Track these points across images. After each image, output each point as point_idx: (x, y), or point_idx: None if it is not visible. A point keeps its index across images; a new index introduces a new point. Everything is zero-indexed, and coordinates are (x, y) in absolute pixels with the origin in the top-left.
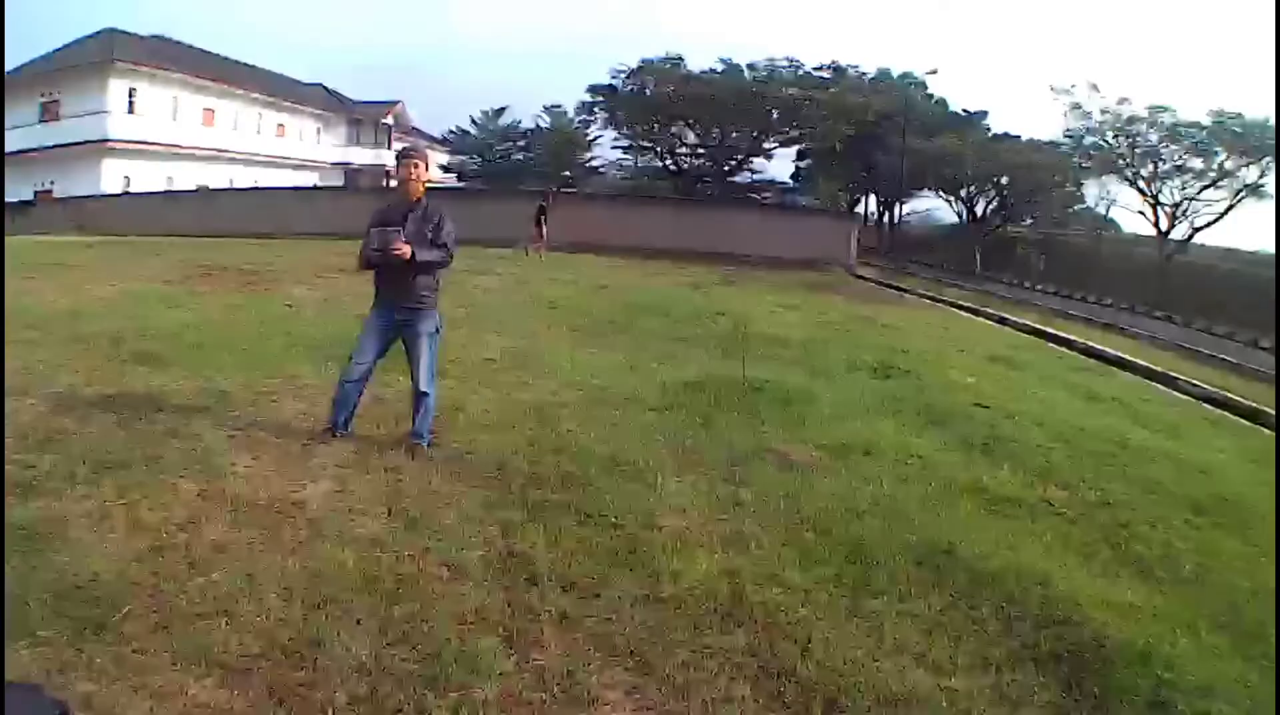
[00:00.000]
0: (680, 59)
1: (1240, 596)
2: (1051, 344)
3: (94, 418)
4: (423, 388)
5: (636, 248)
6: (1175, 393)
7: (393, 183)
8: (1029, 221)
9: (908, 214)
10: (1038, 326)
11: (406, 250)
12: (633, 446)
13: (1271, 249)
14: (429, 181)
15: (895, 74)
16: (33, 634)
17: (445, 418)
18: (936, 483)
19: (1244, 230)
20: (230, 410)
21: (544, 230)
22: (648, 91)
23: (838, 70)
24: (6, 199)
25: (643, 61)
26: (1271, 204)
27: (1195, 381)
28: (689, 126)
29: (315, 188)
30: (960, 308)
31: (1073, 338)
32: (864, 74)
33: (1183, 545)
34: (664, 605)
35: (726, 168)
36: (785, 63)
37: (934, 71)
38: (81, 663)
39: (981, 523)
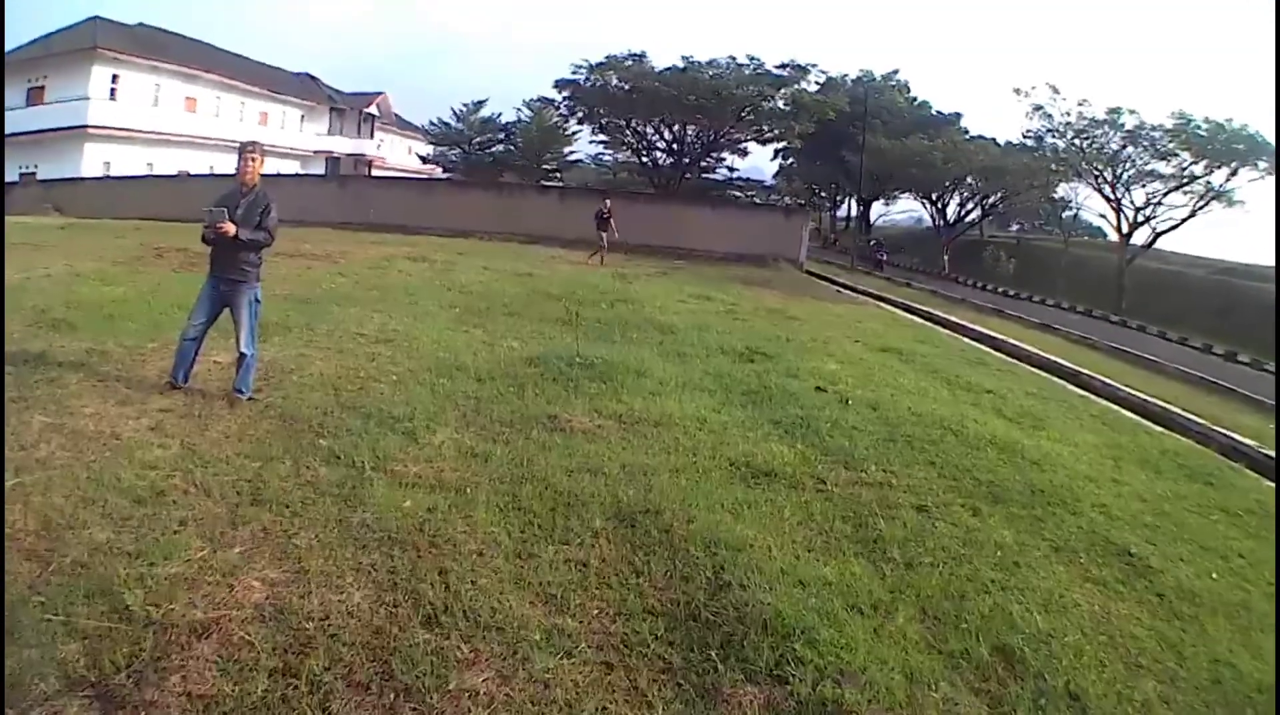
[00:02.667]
0: (643, 55)
1: (973, 589)
2: (966, 339)
3: None
4: (243, 348)
5: (588, 240)
6: (1084, 392)
7: (372, 171)
8: (1013, 227)
9: (892, 215)
10: (956, 320)
11: (230, 229)
12: (424, 408)
13: (1236, 259)
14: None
15: (875, 76)
16: None
17: (278, 378)
18: (704, 453)
19: (1209, 237)
20: (104, 366)
21: (605, 236)
22: (609, 87)
23: (798, 68)
24: None
25: (606, 57)
26: (1239, 211)
27: (1107, 380)
28: (649, 123)
29: (281, 174)
30: (894, 305)
31: (984, 331)
32: (826, 73)
33: (943, 530)
34: (348, 529)
35: (690, 163)
36: (746, 60)
37: (896, 72)
38: None
39: (720, 492)
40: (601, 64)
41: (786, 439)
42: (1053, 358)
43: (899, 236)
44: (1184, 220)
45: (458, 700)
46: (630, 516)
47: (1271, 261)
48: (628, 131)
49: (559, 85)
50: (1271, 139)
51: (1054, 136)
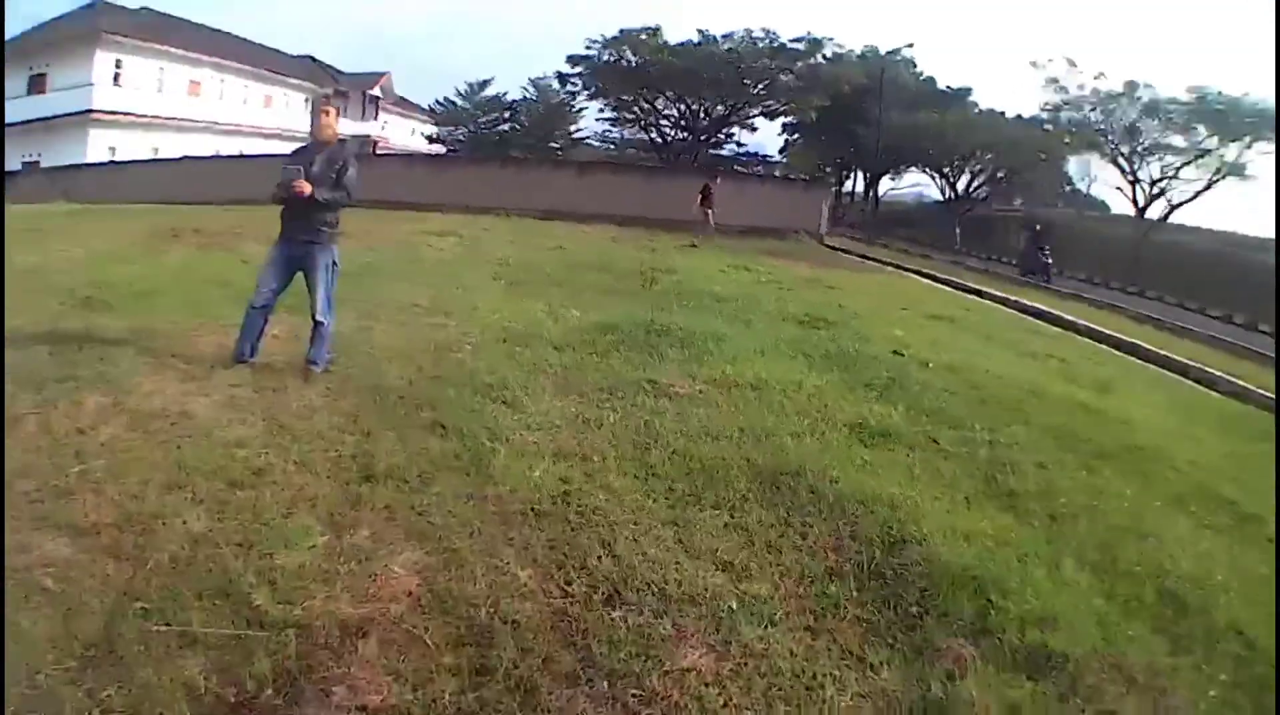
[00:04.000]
0: (658, 29)
1: (1117, 537)
2: (1005, 308)
3: (29, 350)
4: (319, 317)
5: (610, 215)
6: (1129, 357)
7: (376, 152)
8: (1019, 201)
9: (899, 190)
10: (994, 292)
11: (306, 188)
12: (515, 376)
13: (1248, 232)
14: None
15: (882, 51)
16: None
17: (351, 350)
18: (815, 415)
19: (1223, 210)
20: (153, 344)
21: (710, 214)
22: (624, 62)
23: (813, 42)
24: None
25: (620, 31)
26: (1252, 184)
27: (1149, 346)
28: (666, 97)
29: (279, 156)
30: (921, 275)
31: (1024, 301)
32: (841, 47)
33: (1068, 484)
34: (485, 503)
35: (704, 139)
36: (761, 34)
37: (910, 45)
38: None
39: (847, 452)
40: (616, 38)
41: (886, 401)
42: (1093, 326)
43: (907, 212)
44: (1199, 193)
45: (681, 680)
46: (772, 478)
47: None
48: (640, 107)
49: (572, 60)
50: None
51: (1070, 109)
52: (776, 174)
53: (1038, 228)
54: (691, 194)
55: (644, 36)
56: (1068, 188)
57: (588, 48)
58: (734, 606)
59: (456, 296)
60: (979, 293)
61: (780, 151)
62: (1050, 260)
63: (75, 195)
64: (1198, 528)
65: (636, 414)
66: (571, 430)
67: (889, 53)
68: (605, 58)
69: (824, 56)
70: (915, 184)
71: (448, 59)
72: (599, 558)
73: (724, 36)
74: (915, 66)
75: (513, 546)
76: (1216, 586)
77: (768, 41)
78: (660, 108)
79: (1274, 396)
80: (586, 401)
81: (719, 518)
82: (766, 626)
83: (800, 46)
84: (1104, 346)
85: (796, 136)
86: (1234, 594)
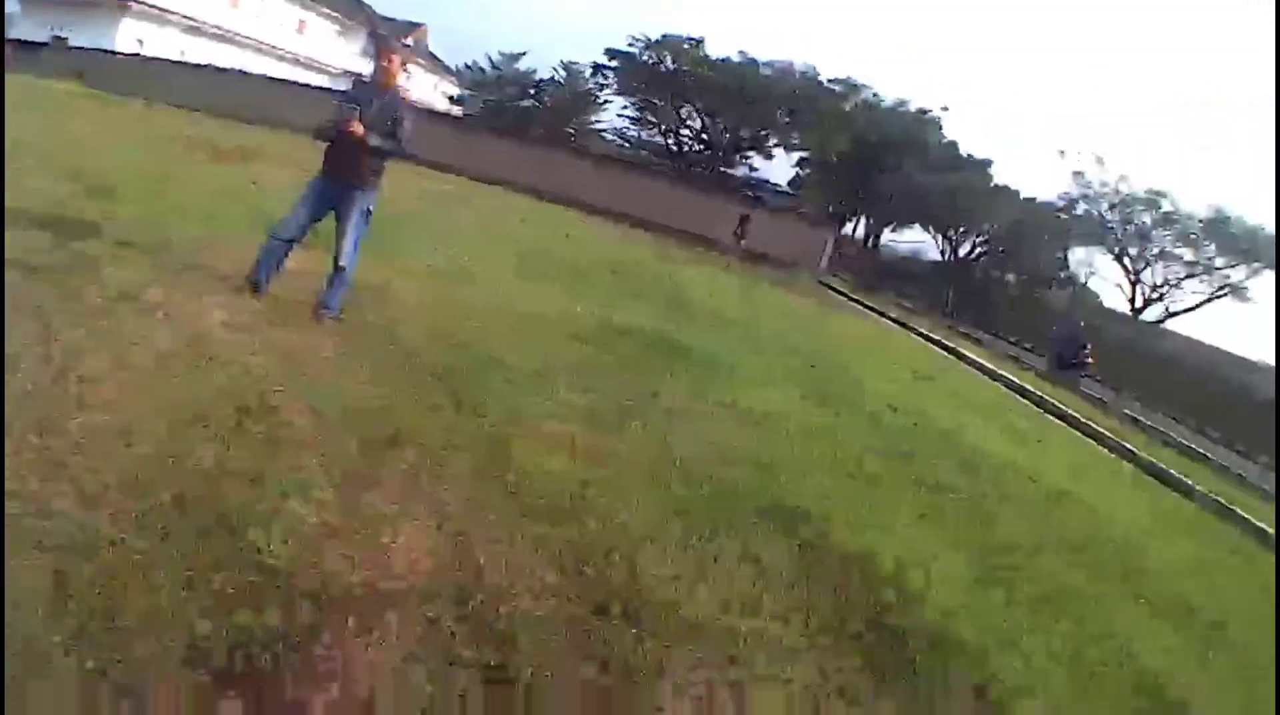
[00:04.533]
0: (701, 40)
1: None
2: (985, 378)
3: (31, 235)
4: (342, 262)
5: (619, 213)
6: (1101, 449)
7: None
8: (1012, 276)
9: (897, 242)
10: (982, 362)
11: (358, 129)
12: (536, 360)
13: (1239, 352)
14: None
15: (906, 105)
16: None
17: (364, 297)
18: (818, 455)
19: (1214, 326)
20: (163, 252)
21: (742, 245)
22: (663, 66)
23: (850, 86)
24: (20, 38)
25: (664, 36)
26: (1250, 308)
27: (1134, 449)
28: (696, 110)
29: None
30: (911, 330)
31: (1025, 385)
32: (877, 95)
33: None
34: (500, 486)
35: (721, 155)
36: (802, 67)
37: (946, 109)
38: None
39: (848, 497)
40: (659, 41)
41: (880, 454)
42: (1074, 414)
43: (903, 264)
44: (1199, 306)
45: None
46: (782, 513)
47: (1271, 360)
48: (666, 113)
49: (611, 54)
50: None
51: (1088, 203)
52: (786, 206)
53: (1081, 324)
54: (705, 209)
55: (686, 46)
56: (1062, 273)
57: (630, 44)
58: (748, 639)
59: (471, 264)
60: (962, 357)
61: (790, 183)
62: (1090, 361)
63: (94, 81)
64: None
65: (655, 427)
66: (591, 431)
67: (920, 110)
68: (645, 58)
69: (855, 102)
70: (918, 240)
71: (483, 24)
72: (613, 568)
73: (765, 63)
74: (941, 129)
75: (532, 542)
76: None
77: (808, 76)
78: (685, 117)
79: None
80: (606, 404)
81: (730, 546)
82: (779, 661)
83: (837, 88)
84: (1082, 436)
85: (808, 171)
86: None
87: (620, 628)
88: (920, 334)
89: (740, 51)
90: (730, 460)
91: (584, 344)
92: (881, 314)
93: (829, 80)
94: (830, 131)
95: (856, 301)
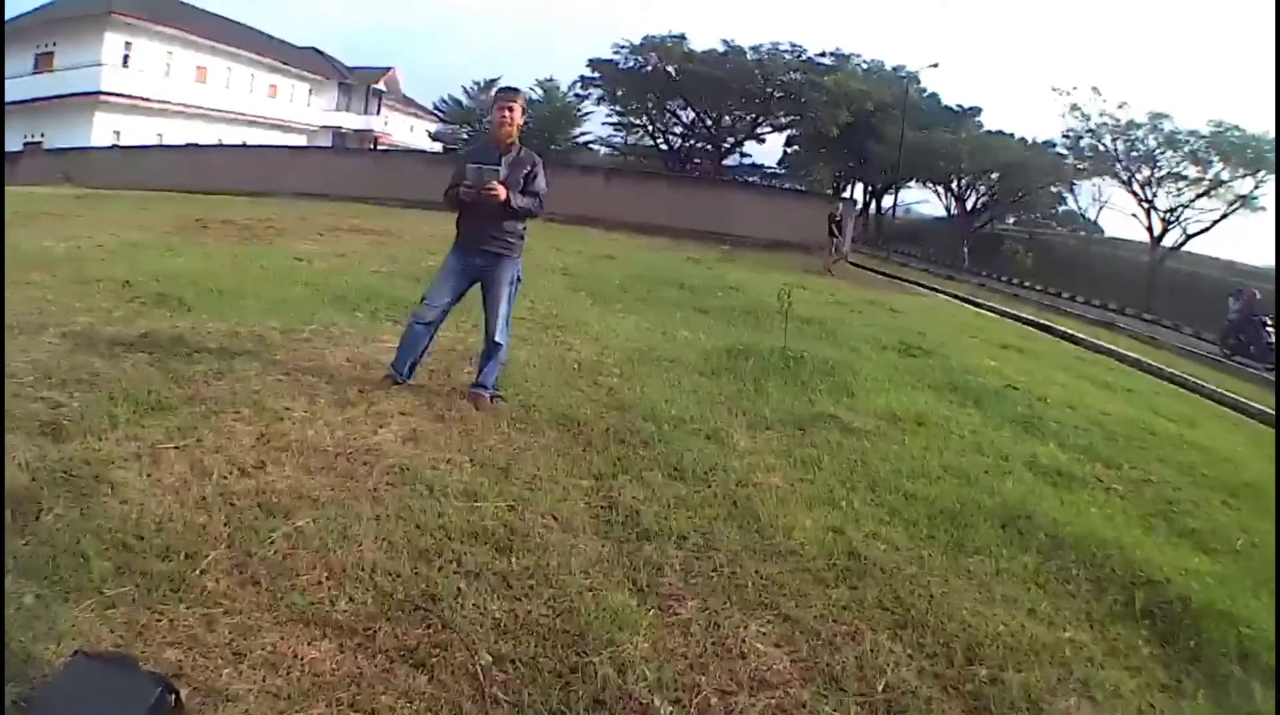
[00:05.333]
0: (683, 36)
1: None
2: (1054, 337)
3: (123, 357)
4: (497, 338)
5: (631, 223)
6: (1180, 388)
7: (377, 148)
8: (1012, 219)
9: (895, 205)
10: (1038, 320)
11: (501, 192)
12: (694, 406)
13: (1261, 263)
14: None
15: (889, 67)
16: (99, 591)
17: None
18: (991, 455)
19: (1237, 240)
20: (270, 354)
21: (836, 242)
22: (649, 68)
23: (840, 57)
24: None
25: (645, 38)
26: (1262, 217)
27: (1198, 379)
28: (689, 105)
29: (304, 147)
30: (959, 299)
31: (1078, 334)
32: (866, 63)
33: (1226, 521)
34: (781, 559)
35: (722, 148)
36: (788, 47)
37: (935, 65)
38: (162, 626)
39: (1044, 492)
40: (641, 44)
41: (1039, 439)
42: (1141, 358)
43: (908, 227)
44: (1215, 223)
45: None
46: (1005, 521)
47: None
48: (653, 113)
49: (594, 64)
50: None
51: (1091, 137)
52: (799, 188)
53: (1256, 294)
54: (709, 203)
55: (669, 44)
56: (1059, 208)
57: (615, 52)
58: (1069, 655)
59: (552, 308)
60: (1020, 318)
61: (779, 163)
62: (1272, 339)
63: (79, 179)
64: None
65: (839, 451)
66: (794, 469)
67: (895, 69)
68: (631, 63)
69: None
70: (920, 200)
71: (443, 56)
72: (931, 614)
73: (751, 48)
74: (920, 83)
75: (848, 610)
76: None
77: (795, 55)
78: (679, 115)
79: (1275, 412)
80: (782, 436)
81: (987, 564)
82: (1102, 670)
83: (827, 61)
84: (1158, 379)
85: (796, 148)
86: None
87: (969, 672)
88: (963, 299)
89: (724, 40)
90: (928, 475)
91: (710, 376)
92: (918, 284)
93: (817, 55)
94: (829, 106)
95: (889, 276)
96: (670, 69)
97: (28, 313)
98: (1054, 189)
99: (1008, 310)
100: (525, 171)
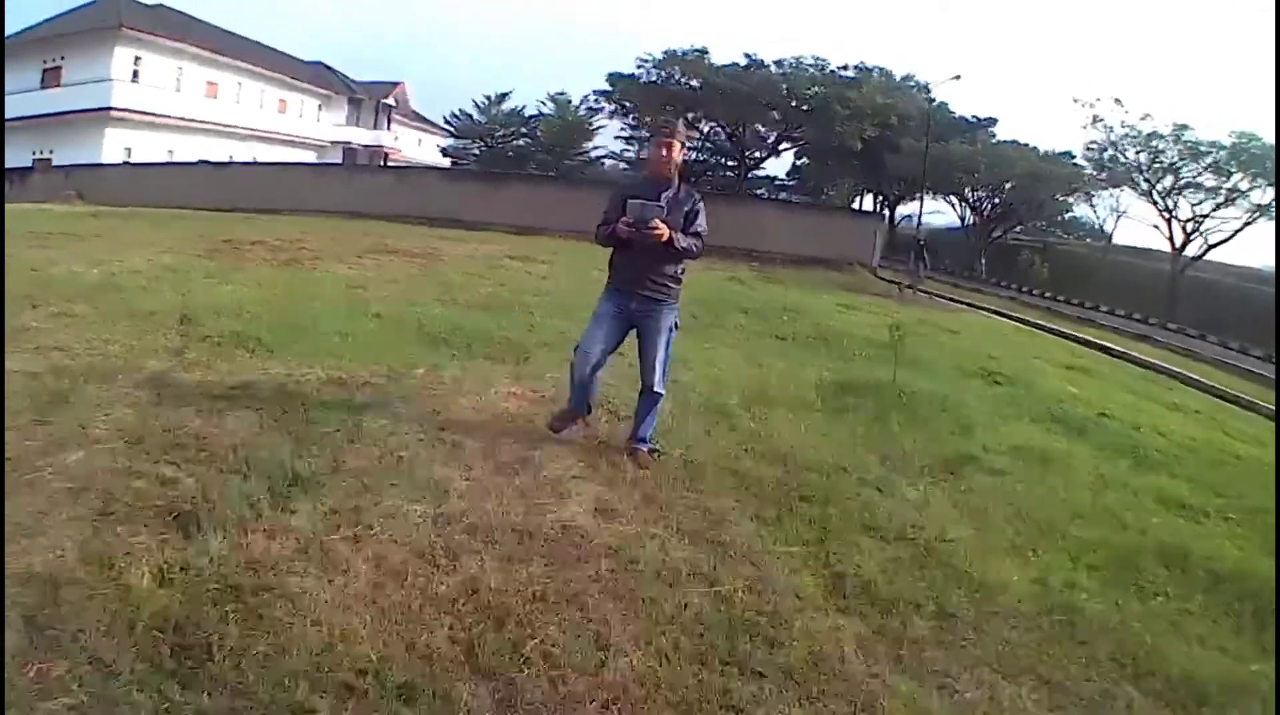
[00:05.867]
0: (705, 51)
1: None
2: (1099, 351)
3: (226, 414)
4: (656, 388)
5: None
6: (1234, 406)
7: (388, 163)
8: (1019, 228)
9: (920, 215)
10: (1082, 335)
11: (665, 231)
12: (842, 452)
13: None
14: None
15: (898, 76)
16: None
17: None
18: (1125, 491)
19: (1258, 249)
20: (392, 406)
21: (921, 267)
22: (673, 82)
23: (863, 70)
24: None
25: (666, 53)
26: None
27: (1247, 396)
28: (713, 119)
29: (321, 164)
30: (998, 314)
31: (1126, 351)
32: (885, 74)
33: None
34: (1011, 619)
35: (746, 162)
36: (811, 61)
37: (958, 77)
38: None
39: (1181, 526)
40: (664, 58)
41: (1151, 471)
42: (1187, 373)
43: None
44: (1236, 232)
45: None
46: (1182, 563)
47: None
48: (688, 129)
49: (612, 79)
50: None
51: (1115, 149)
52: (824, 204)
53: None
54: (735, 219)
55: (690, 58)
56: (1064, 215)
57: (639, 66)
58: (1264, 688)
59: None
60: (1065, 335)
61: (788, 174)
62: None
63: (92, 196)
64: None
65: (995, 495)
66: (968, 519)
67: (901, 79)
68: (654, 77)
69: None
70: (931, 211)
71: (452, 74)
72: (1155, 662)
73: (775, 62)
74: (929, 92)
75: (1094, 666)
76: None
77: (818, 68)
78: (699, 128)
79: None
80: (939, 482)
81: (1170, 605)
82: None
83: (850, 74)
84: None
85: (805, 160)
86: None
87: None
88: (1003, 315)
89: (746, 54)
90: (1083, 515)
91: (839, 414)
92: (953, 300)
93: (839, 68)
94: (853, 120)
95: (923, 292)
96: (694, 83)
97: (86, 354)
98: (1070, 199)
99: (1050, 326)
100: (686, 210)
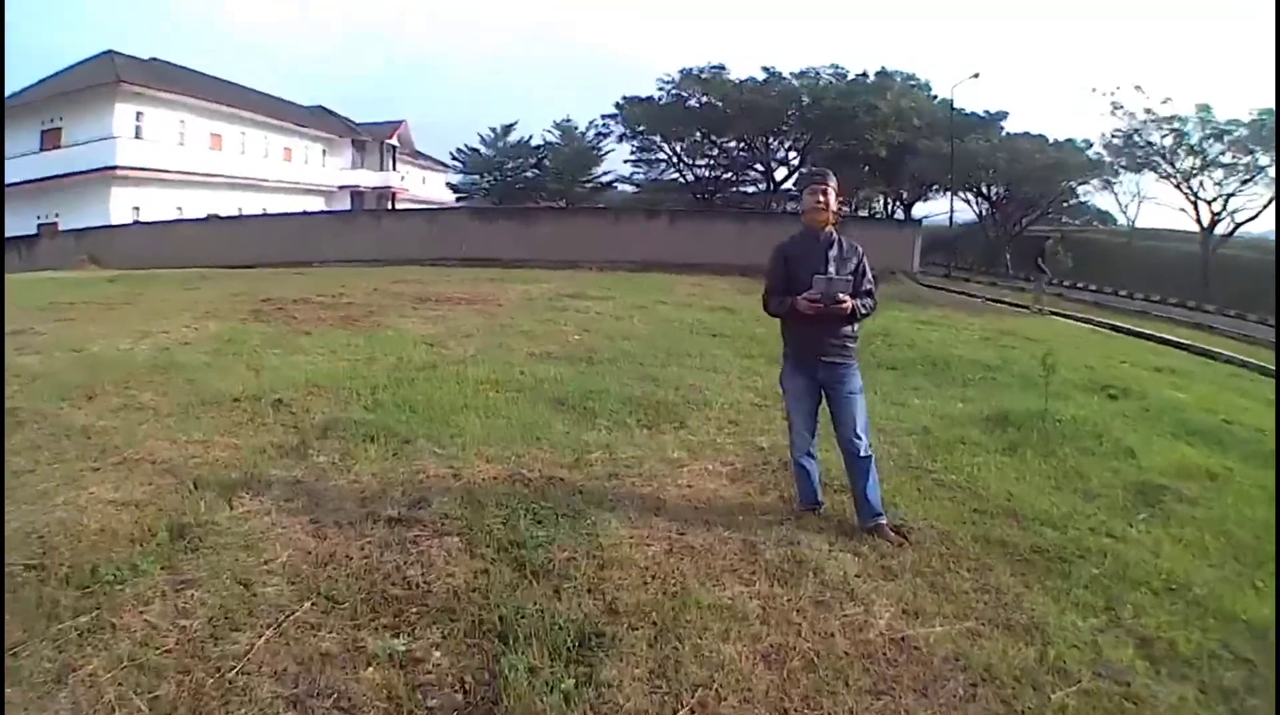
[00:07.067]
0: (722, 67)
1: None
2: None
3: (423, 544)
4: (864, 452)
5: (697, 264)
6: None
7: (395, 204)
8: (1030, 218)
9: (951, 213)
10: (1151, 333)
11: (850, 305)
12: (1048, 498)
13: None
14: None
15: (897, 73)
16: None
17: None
18: None
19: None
20: (607, 506)
21: (1045, 278)
22: (693, 102)
23: (884, 75)
24: (7, 234)
25: (683, 72)
26: None
27: None
28: (739, 136)
29: (344, 211)
30: (1058, 315)
31: (1212, 348)
32: (908, 79)
33: None
34: None
35: (773, 176)
36: (830, 70)
37: (976, 76)
38: None
39: None
40: (682, 77)
41: None
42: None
43: (938, 235)
44: (1264, 208)
45: None
46: None
47: None
48: (700, 146)
49: (620, 104)
50: None
51: (1139, 135)
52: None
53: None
54: (772, 237)
55: (706, 75)
56: (1088, 202)
57: (660, 88)
58: None
59: (765, 380)
60: (1131, 332)
61: (791, 176)
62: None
63: (105, 260)
64: None
65: (1201, 525)
66: (1200, 557)
67: (903, 78)
68: (674, 97)
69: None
70: (943, 213)
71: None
72: None
73: (799, 74)
74: (930, 89)
75: None
76: None
77: (840, 77)
78: (722, 146)
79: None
80: (1146, 517)
81: None
82: None
83: (870, 81)
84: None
85: (812, 166)
86: None
87: None
88: (1063, 315)
89: (764, 68)
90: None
91: (1021, 451)
92: (1006, 303)
93: (859, 75)
94: (880, 127)
95: (972, 296)
96: (717, 101)
97: (186, 464)
98: (1090, 186)
99: (1115, 324)
100: (854, 266)
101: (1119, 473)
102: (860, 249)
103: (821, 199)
